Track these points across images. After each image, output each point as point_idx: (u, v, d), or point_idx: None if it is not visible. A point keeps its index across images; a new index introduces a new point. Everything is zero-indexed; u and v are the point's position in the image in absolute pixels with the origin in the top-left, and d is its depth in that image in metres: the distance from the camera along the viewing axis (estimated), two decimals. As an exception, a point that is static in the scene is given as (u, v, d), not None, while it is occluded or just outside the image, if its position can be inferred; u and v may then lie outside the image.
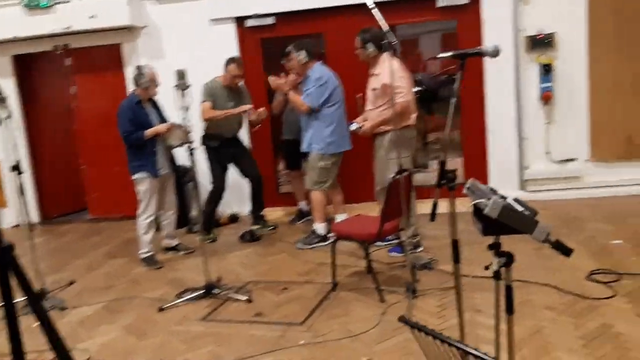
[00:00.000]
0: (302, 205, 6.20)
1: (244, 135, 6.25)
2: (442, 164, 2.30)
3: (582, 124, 5.96)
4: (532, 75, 5.93)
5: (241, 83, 5.75)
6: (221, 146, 5.68)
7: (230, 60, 5.57)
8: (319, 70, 5.19)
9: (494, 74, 5.96)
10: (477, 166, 6.06)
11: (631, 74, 5.79)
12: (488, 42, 5.92)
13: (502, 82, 5.97)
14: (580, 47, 5.82)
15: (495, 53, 2.29)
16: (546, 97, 5.89)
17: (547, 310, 3.55)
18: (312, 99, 5.09)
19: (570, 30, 5.80)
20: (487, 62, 5.95)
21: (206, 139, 5.66)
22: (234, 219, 6.42)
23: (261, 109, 5.65)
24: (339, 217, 5.43)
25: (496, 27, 5.87)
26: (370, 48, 4.57)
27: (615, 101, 5.86)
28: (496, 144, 6.13)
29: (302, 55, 5.17)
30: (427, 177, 7.15)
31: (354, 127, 4.75)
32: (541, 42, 5.81)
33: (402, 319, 1.52)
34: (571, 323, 3.36)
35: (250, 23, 6.35)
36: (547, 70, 5.84)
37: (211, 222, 5.81)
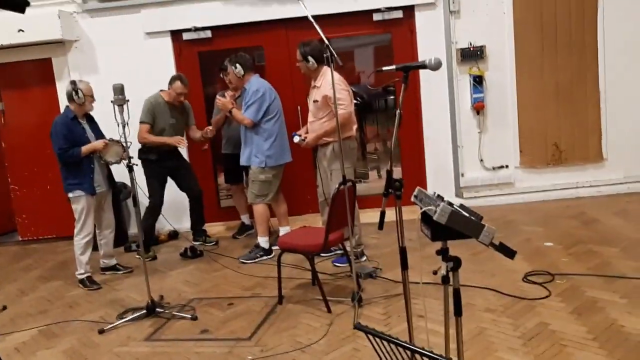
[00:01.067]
0: (244, 218, 6.16)
1: (183, 150, 6.16)
2: (389, 173, 2.35)
3: (512, 132, 6.24)
4: (465, 86, 6.17)
5: (186, 101, 5.69)
6: (160, 159, 5.56)
7: (175, 78, 5.51)
8: (256, 83, 5.18)
9: (429, 85, 6.17)
10: (415, 174, 6.22)
11: (555, 82, 6.12)
12: (422, 54, 6.13)
13: (436, 93, 6.18)
14: (508, 58, 6.11)
15: (437, 66, 2.37)
16: (478, 107, 6.14)
17: (487, 313, 3.67)
18: (253, 113, 5.08)
19: (499, 43, 6.09)
20: (422, 73, 6.15)
21: (144, 152, 5.53)
22: (173, 235, 6.29)
23: (208, 128, 5.64)
24: (283, 230, 5.42)
25: (429, 40, 6.09)
26: (311, 61, 4.62)
27: (542, 110, 6.17)
28: (432, 152, 6.32)
29: (237, 69, 5.16)
30: (368, 187, 7.29)
31: (296, 139, 4.78)
32: (472, 55, 6.06)
33: (359, 326, 1.54)
34: (510, 324, 3.49)
35: (186, 36, 6.28)
36: (478, 81, 6.09)
37: (150, 239, 5.68)
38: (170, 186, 5.76)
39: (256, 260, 5.21)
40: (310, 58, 4.61)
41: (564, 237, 5.00)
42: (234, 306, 4.25)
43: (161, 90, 5.57)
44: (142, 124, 5.40)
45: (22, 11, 2.00)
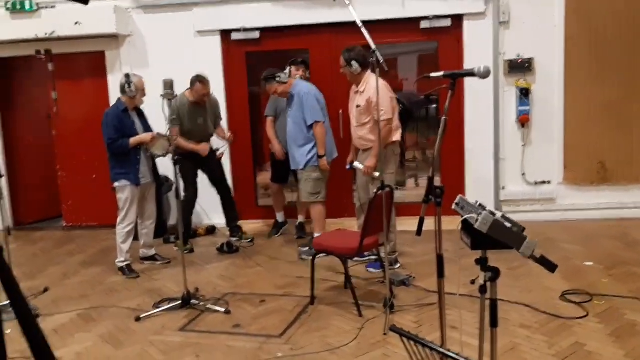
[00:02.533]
0: (279, 216, 6.20)
1: (225, 150, 6.27)
2: (430, 179, 2.35)
3: (556, 147, 6.13)
4: (511, 98, 6.09)
5: (213, 96, 5.76)
6: (191, 153, 5.63)
7: (195, 80, 5.53)
8: (303, 87, 5.21)
9: (474, 95, 6.11)
10: (455, 185, 6.16)
11: (605, 100, 5.98)
12: (468, 64, 6.08)
13: (481, 104, 6.11)
14: (557, 72, 6.00)
15: (486, 74, 2.36)
16: (523, 120, 6.05)
17: (522, 329, 3.62)
18: (316, 114, 5.11)
19: (548, 56, 5.99)
20: (468, 83, 6.10)
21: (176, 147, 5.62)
22: (211, 230, 6.40)
23: (229, 134, 5.75)
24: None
25: (477, 50, 6.03)
26: (355, 65, 4.64)
27: (589, 126, 6.04)
28: (474, 163, 6.25)
29: (280, 79, 5.18)
30: (404, 194, 7.26)
31: (357, 165, 4.75)
32: (520, 66, 5.98)
33: (394, 329, 1.55)
34: (545, 341, 3.43)
35: (235, 36, 6.39)
36: (525, 93, 6.00)
37: (187, 232, 5.78)
38: (207, 182, 5.86)
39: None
40: (354, 63, 4.62)
41: (605, 258, 4.89)
42: (267, 303, 4.30)
43: (185, 91, 5.59)
44: (170, 129, 5.41)
45: (86, 3, 2.08)
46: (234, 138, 5.90)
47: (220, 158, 5.89)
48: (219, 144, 5.99)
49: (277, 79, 5.19)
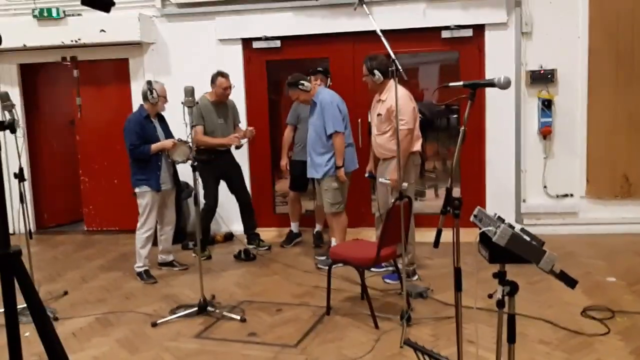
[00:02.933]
0: (294, 227, 6.19)
1: (244, 153, 6.29)
2: (449, 190, 2.32)
3: (579, 160, 6.03)
4: (533, 109, 6.02)
5: (230, 98, 5.78)
6: (212, 160, 5.65)
7: (217, 75, 5.59)
8: (327, 95, 5.19)
9: (495, 105, 6.05)
10: (475, 196, 6.10)
11: (628, 113, 5.89)
12: (490, 74, 6.03)
13: (502, 114, 6.05)
14: (580, 84, 5.92)
15: (506, 85, 2.33)
16: (545, 132, 5.97)
17: (541, 345, 3.55)
18: (337, 124, 5.08)
19: (571, 68, 5.91)
20: (489, 93, 6.05)
21: (197, 153, 5.64)
22: (229, 237, 6.42)
23: (250, 128, 5.74)
24: (335, 241, 5.43)
25: (498, 60, 5.98)
26: (377, 74, 4.62)
27: (613, 139, 5.94)
28: (494, 175, 6.18)
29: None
30: (424, 205, 7.21)
31: (383, 180, 4.71)
32: (542, 77, 5.91)
33: (409, 342, 1.53)
34: (565, 358, 3.36)
35: (256, 45, 6.44)
36: (547, 105, 5.93)
37: (206, 239, 5.80)
38: (227, 189, 5.88)
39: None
40: (376, 72, 4.60)
41: (627, 274, 4.78)
42: (282, 312, 4.29)
43: (205, 93, 5.65)
44: (195, 127, 5.42)
45: (108, 10, 2.11)
46: (254, 133, 5.84)
47: (240, 147, 5.85)
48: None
49: (301, 86, 5.19)
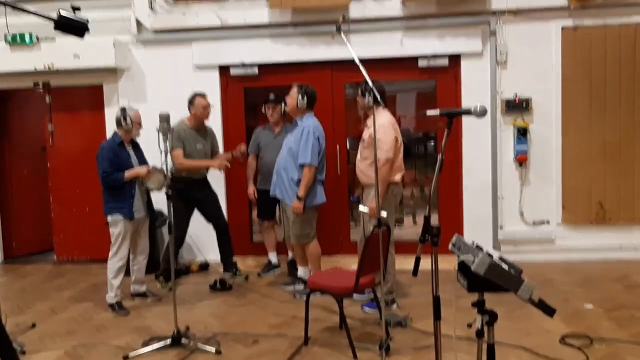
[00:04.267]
0: (272, 256, 6.10)
1: (220, 180, 6.22)
2: (427, 219, 2.29)
3: (555, 187, 6.09)
4: (508, 137, 6.09)
5: (207, 123, 5.71)
6: (187, 188, 5.54)
7: (194, 95, 5.51)
8: (312, 124, 5.08)
9: (472, 133, 6.10)
10: (452, 223, 6.09)
11: (602, 141, 5.98)
12: (466, 103, 6.10)
13: (479, 142, 6.10)
14: (555, 112, 6.01)
15: (482, 113, 2.34)
16: (521, 159, 6.03)
17: (522, 373, 3.52)
18: (313, 157, 4.97)
19: (545, 96, 6.00)
20: (465, 121, 6.10)
21: (172, 181, 5.54)
22: (204, 266, 6.30)
23: (241, 145, 5.69)
24: (302, 270, 5.37)
25: (474, 89, 6.05)
26: (367, 98, 4.61)
27: (587, 167, 6.02)
28: (471, 202, 6.20)
29: (303, 100, 5.05)
30: (402, 232, 7.19)
31: (362, 208, 4.66)
32: (518, 106, 5.99)
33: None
34: (545, 387, 3.33)
35: (234, 72, 6.42)
36: (522, 133, 6.00)
37: (169, 270, 5.64)
38: (200, 217, 5.79)
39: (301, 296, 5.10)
40: (367, 95, 4.60)
41: (605, 301, 4.79)
42: (259, 343, 4.19)
43: (183, 118, 5.56)
44: (174, 151, 5.34)
45: (82, 35, 2.07)
46: (243, 149, 5.77)
47: (242, 151, 5.75)
48: (216, 174, 5.99)
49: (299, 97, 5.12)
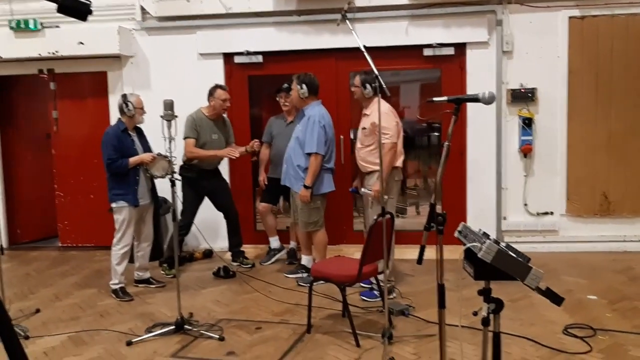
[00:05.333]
0: (273, 241, 6.08)
1: (224, 170, 6.21)
2: (432, 206, 2.28)
3: (559, 178, 6.07)
4: (513, 127, 6.06)
5: (225, 115, 5.74)
6: (198, 178, 5.60)
7: (216, 87, 5.57)
8: (318, 112, 5.07)
9: (476, 123, 6.08)
10: (456, 213, 6.08)
11: (608, 132, 5.95)
12: (471, 92, 6.05)
13: (483, 132, 6.08)
14: (560, 103, 5.98)
15: (490, 100, 2.32)
16: (526, 150, 6.00)
17: (524, 363, 3.52)
18: (319, 146, 4.97)
19: (551, 87, 5.97)
20: (470, 111, 6.07)
21: (184, 169, 5.58)
22: (208, 254, 6.31)
23: (255, 141, 5.66)
24: (305, 259, 5.37)
25: (480, 79, 6.02)
26: (368, 88, 4.68)
27: (592, 158, 5.99)
28: (475, 192, 6.19)
29: (303, 89, 5.08)
30: (405, 222, 7.18)
31: (365, 190, 4.69)
32: (523, 96, 5.96)
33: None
34: (548, 376, 3.33)
35: (238, 60, 6.40)
36: (527, 123, 5.97)
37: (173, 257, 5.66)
38: (208, 205, 5.80)
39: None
40: (368, 86, 4.68)
41: (608, 292, 4.79)
42: (262, 330, 4.20)
43: (201, 107, 5.62)
44: (187, 139, 5.44)
45: (84, 19, 2.05)
46: (255, 148, 5.70)
47: (255, 149, 5.69)
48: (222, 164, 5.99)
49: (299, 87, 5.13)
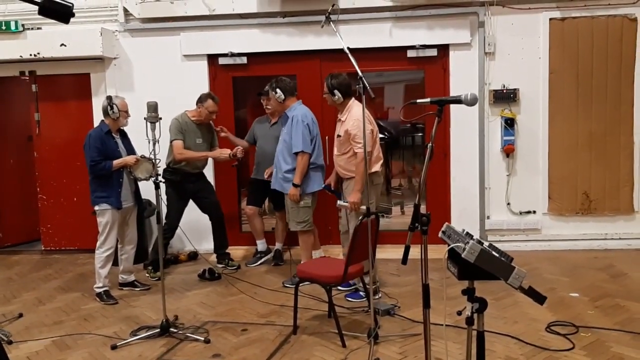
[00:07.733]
0: (260, 244, 6.09)
1: (209, 172, 6.19)
2: (417, 207, 2.30)
3: (541, 177, 6.14)
4: (496, 127, 6.12)
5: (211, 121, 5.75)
6: (183, 181, 5.60)
7: (207, 96, 5.56)
8: (300, 112, 5.07)
9: (459, 124, 6.13)
10: (440, 213, 6.13)
11: (588, 132, 6.04)
12: (454, 93, 6.11)
13: (466, 133, 6.14)
14: (542, 103, 6.06)
15: (473, 101, 2.35)
16: (508, 150, 6.07)
17: (508, 361, 3.56)
18: (305, 144, 4.97)
19: (533, 87, 6.04)
20: (453, 112, 6.13)
21: (168, 172, 5.56)
22: (193, 256, 6.29)
23: (238, 148, 5.65)
24: (315, 254, 5.37)
25: (462, 80, 6.07)
26: (337, 94, 4.63)
27: (574, 157, 6.08)
28: (459, 192, 6.24)
29: (278, 94, 5.12)
30: (390, 222, 7.22)
31: (342, 203, 4.65)
32: (505, 97, 6.03)
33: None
34: (532, 374, 3.38)
35: (222, 61, 6.39)
36: (510, 123, 6.04)
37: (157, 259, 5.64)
38: (193, 207, 5.78)
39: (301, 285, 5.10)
40: (336, 92, 4.62)
41: (590, 289, 4.86)
42: (248, 332, 4.20)
43: (187, 110, 5.62)
44: (175, 142, 5.44)
45: (67, 21, 2.04)
46: (240, 153, 5.68)
47: (238, 156, 5.66)
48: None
49: (275, 93, 5.15)
